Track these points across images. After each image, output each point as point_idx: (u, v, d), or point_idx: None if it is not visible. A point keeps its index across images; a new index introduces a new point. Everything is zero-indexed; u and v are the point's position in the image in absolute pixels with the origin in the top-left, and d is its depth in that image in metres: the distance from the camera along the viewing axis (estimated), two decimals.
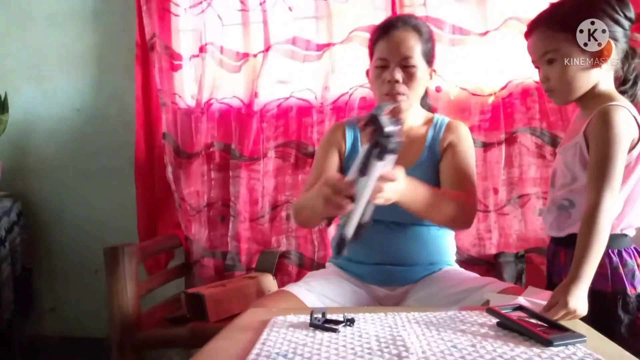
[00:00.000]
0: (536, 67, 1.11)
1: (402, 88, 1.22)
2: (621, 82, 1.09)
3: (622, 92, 1.08)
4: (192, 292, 1.58)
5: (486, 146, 1.74)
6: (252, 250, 1.90)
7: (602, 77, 1.06)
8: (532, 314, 0.85)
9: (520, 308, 0.88)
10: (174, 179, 1.94)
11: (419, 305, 1.16)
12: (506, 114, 1.73)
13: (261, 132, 1.90)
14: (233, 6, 1.91)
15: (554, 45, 1.04)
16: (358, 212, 0.90)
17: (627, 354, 0.72)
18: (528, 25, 1.10)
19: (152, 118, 2.00)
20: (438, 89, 1.74)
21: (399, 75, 1.21)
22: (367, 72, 1.33)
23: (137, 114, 1.97)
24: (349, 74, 1.81)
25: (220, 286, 1.62)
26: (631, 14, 1.03)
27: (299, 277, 1.75)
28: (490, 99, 1.73)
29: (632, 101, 1.07)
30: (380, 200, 0.93)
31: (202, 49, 1.92)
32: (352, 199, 0.90)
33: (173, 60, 1.95)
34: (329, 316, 0.89)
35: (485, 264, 1.71)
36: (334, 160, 1.34)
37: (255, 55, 1.89)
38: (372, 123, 0.87)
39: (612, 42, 1.01)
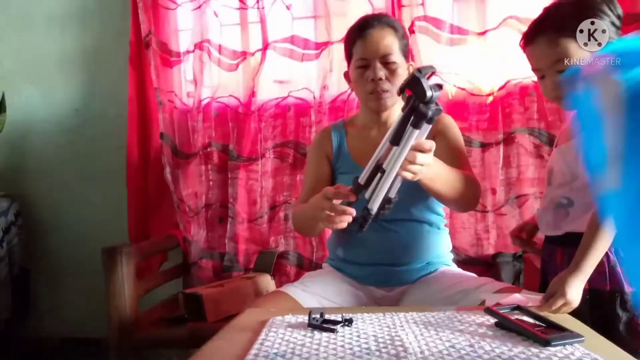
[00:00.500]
0: (540, 75, 1.08)
1: (386, 85, 1.23)
2: None
3: None
4: (190, 292, 1.58)
5: (484, 146, 1.74)
6: (250, 250, 1.90)
7: None
8: (530, 314, 0.85)
9: (518, 308, 0.88)
10: (173, 180, 1.94)
11: (417, 305, 1.16)
12: (504, 114, 1.73)
13: (259, 132, 1.89)
14: (231, 4, 1.91)
15: (565, 53, 1.01)
16: (386, 185, 0.86)
17: (624, 353, 0.72)
18: (528, 32, 1.07)
19: (147, 118, 2.00)
20: None
21: (381, 72, 1.22)
22: (346, 74, 1.35)
23: (130, 114, 1.97)
24: None
25: (219, 286, 1.62)
26: (620, 11, 1.03)
27: (297, 277, 1.75)
28: (489, 99, 1.74)
29: None
30: (409, 174, 0.90)
31: (199, 47, 1.91)
32: (356, 197, 0.87)
33: (169, 57, 1.94)
34: (327, 316, 0.89)
35: (483, 264, 1.71)
36: (324, 165, 1.35)
37: (253, 54, 1.89)
38: (412, 86, 0.82)
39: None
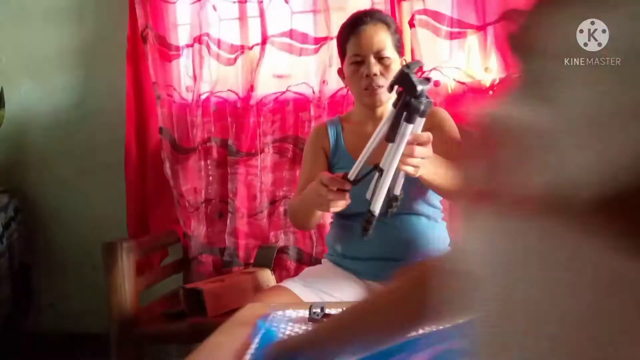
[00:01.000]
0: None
1: (380, 80, 1.23)
2: None
3: None
4: (190, 287, 1.58)
5: None
6: (250, 245, 1.89)
7: None
8: None
9: None
10: (172, 175, 1.94)
11: None
12: None
13: (258, 127, 1.89)
14: None
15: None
16: (386, 185, 0.85)
17: None
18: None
19: (145, 113, 1.99)
20: (436, 83, 1.73)
21: (376, 68, 1.23)
22: (340, 71, 1.36)
23: (128, 109, 1.96)
24: None
25: (219, 281, 1.62)
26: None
27: (297, 272, 1.75)
28: (490, 93, 1.73)
29: None
30: (410, 168, 0.89)
31: (198, 40, 1.90)
32: (350, 185, 0.87)
33: (168, 51, 1.93)
34: (327, 311, 0.89)
35: None
36: (321, 161, 1.35)
37: (251, 48, 1.88)
38: (402, 82, 0.82)
39: None
